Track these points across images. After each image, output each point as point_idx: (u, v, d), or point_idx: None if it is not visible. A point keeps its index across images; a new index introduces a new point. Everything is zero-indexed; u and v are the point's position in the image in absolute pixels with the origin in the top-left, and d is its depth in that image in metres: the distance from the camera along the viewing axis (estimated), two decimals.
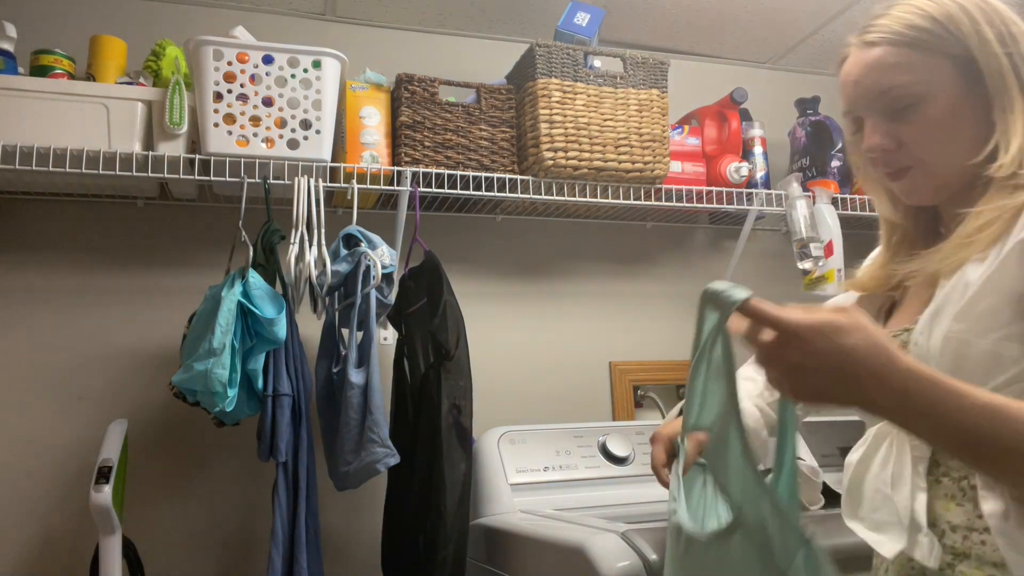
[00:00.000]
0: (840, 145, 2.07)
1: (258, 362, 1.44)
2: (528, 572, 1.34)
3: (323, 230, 1.54)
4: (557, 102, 1.75)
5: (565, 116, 1.75)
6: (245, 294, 1.42)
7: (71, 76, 1.57)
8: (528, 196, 1.77)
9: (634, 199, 1.85)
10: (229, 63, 1.54)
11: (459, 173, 1.71)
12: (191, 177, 1.55)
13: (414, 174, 1.68)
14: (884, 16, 0.84)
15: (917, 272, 0.83)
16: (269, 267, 1.52)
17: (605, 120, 1.79)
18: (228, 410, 1.40)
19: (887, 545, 0.82)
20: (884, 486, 0.83)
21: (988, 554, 0.73)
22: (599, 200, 1.83)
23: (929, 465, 0.80)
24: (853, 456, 0.89)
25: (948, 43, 0.80)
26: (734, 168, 1.94)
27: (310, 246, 1.52)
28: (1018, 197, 0.75)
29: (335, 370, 1.55)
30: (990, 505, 0.72)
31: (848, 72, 0.87)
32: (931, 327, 0.76)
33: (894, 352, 0.63)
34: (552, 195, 1.79)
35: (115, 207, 1.77)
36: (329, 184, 1.64)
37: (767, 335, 0.65)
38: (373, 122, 1.70)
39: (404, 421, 1.61)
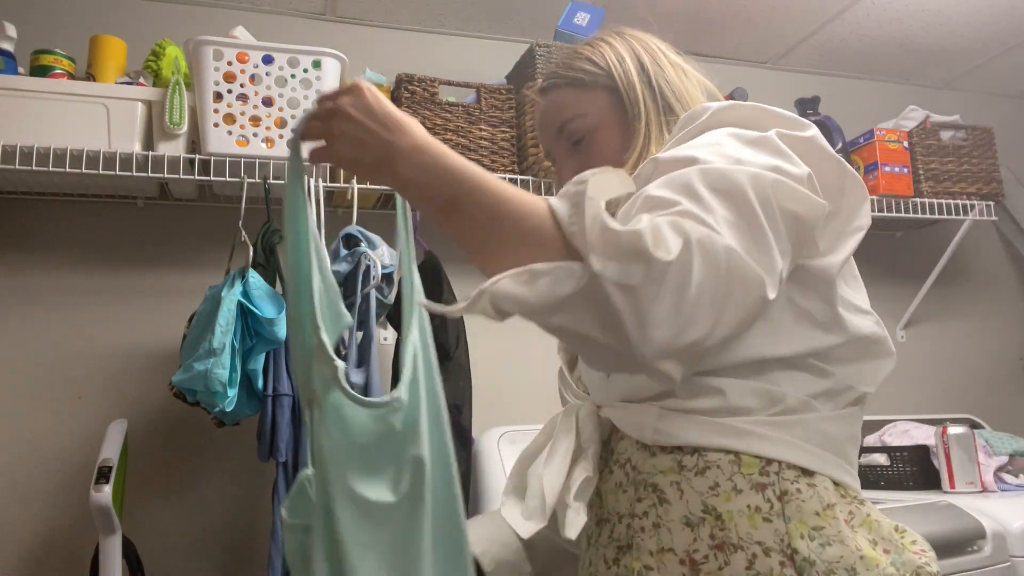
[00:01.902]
0: (841, 145, 2.07)
1: (258, 362, 1.44)
2: None
3: (323, 230, 1.54)
4: None
5: None
6: (245, 294, 1.42)
7: (71, 76, 1.57)
8: None
9: None
10: (229, 63, 1.54)
11: None
12: (191, 177, 1.55)
13: None
14: (552, 65, 0.96)
15: None
16: (269, 267, 1.52)
17: None
18: (228, 410, 1.40)
19: (526, 525, 0.82)
20: (541, 469, 0.84)
21: (647, 542, 0.71)
22: None
23: (603, 455, 0.80)
24: (525, 448, 0.90)
25: (601, 78, 0.89)
26: None
27: None
28: None
29: None
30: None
31: (535, 120, 0.97)
32: None
33: (419, 125, 0.70)
34: (552, 195, 1.79)
35: (115, 207, 1.76)
36: (329, 184, 1.65)
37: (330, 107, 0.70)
38: None
39: None
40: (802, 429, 0.70)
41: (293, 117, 1.58)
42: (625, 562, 0.72)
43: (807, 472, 0.68)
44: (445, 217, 0.66)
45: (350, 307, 1.54)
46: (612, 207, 0.82)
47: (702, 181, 0.64)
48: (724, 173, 0.65)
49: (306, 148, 0.74)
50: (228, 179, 1.54)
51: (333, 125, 0.69)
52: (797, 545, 0.65)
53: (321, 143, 0.71)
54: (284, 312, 1.45)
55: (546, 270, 0.58)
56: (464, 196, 0.65)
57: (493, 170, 1.75)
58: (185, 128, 1.54)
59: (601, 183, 0.63)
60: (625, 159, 0.87)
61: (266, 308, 1.43)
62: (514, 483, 0.88)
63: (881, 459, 1.86)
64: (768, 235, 0.63)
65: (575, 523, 0.79)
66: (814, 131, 0.74)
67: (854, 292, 0.77)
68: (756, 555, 0.65)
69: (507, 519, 0.84)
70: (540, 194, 1.76)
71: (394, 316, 1.69)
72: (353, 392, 0.75)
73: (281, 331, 1.44)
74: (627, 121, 0.89)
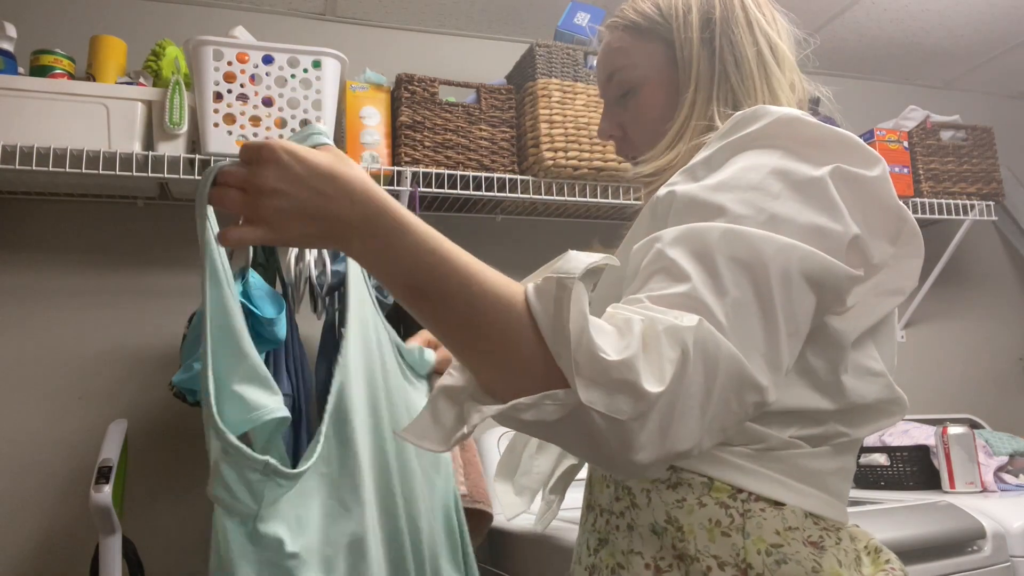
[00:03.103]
0: None
1: None
2: (528, 572, 1.34)
3: None
4: (557, 102, 1.75)
5: (565, 116, 1.75)
6: (245, 294, 1.42)
7: (71, 76, 1.57)
8: (528, 196, 1.77)
9: (634, 199, 1.85)
10: (229, 63, 1.54)
11: (459, 173, 1.71)
12: (191, 177, 1.55)
13: (414, 174, 1.68)
14: (624, 4, 0.85)
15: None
16: (269, 267, 1.52)
17: None
18: None
19: (515, 507, 0.81)
20: (535, 451, 0.83)
21: (620, 541, 0.70)
22: (599, 200, 1.82)
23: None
24: None
25: (662, 28, 0.80)
26: None
27: None
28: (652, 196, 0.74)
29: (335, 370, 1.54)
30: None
31: (596, 59, 0.88)
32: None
33: (368, 180, 0.61)
34: (552, 195, 1.79)
35: (115, 207, 1.76)
36: None
37: (243, 173, 0.62)
38: (373, 122, 1.70)
39: None
40: (781, 463, 0.67)
41: (293, 117, 1.58)
42: (602, 555, 0.72)
43: (778, 503, 0.66)
44: (410, 303, 0.60)
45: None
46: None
47: (724, 250, 0.58)
48: (751, 243, 0.59)
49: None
50: None
51: (260, 205, 0.61)
52: (752, 560, 0.63)
53: (236, 220, 0.64)
54: (284, 312, 1.45)
55: (530, 403, 0.54)
56: (432, 285, 0.58)
57: (493, 170, 1.75)
58: (185, 128, 1.54)
59: (586, 276, 0.56)
60: (665, 129, 0.78)
61: (266, 308, 1.43)
62: (509, 457, 0.89)
63: (881, 459, 1.86)
64: (780, 326, 0.58)
65: (545, 517, 0.80)
66: (880, 170, 0.67)
67: (879, 351, 0.72)
68: (711, 567, 0.64)
69: (499, 496, 0.85)
70: (539, 193, 1.78)
71: (393, 316, 1.69)
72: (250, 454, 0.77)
73: (281, 331, 1.43)
74: (678, 84, 0.80)
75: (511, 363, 0.56)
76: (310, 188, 0.59)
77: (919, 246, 0.71)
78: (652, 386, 0.52)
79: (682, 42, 0.79)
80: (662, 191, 0.68)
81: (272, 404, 0.80)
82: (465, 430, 0.56)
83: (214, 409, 0.75)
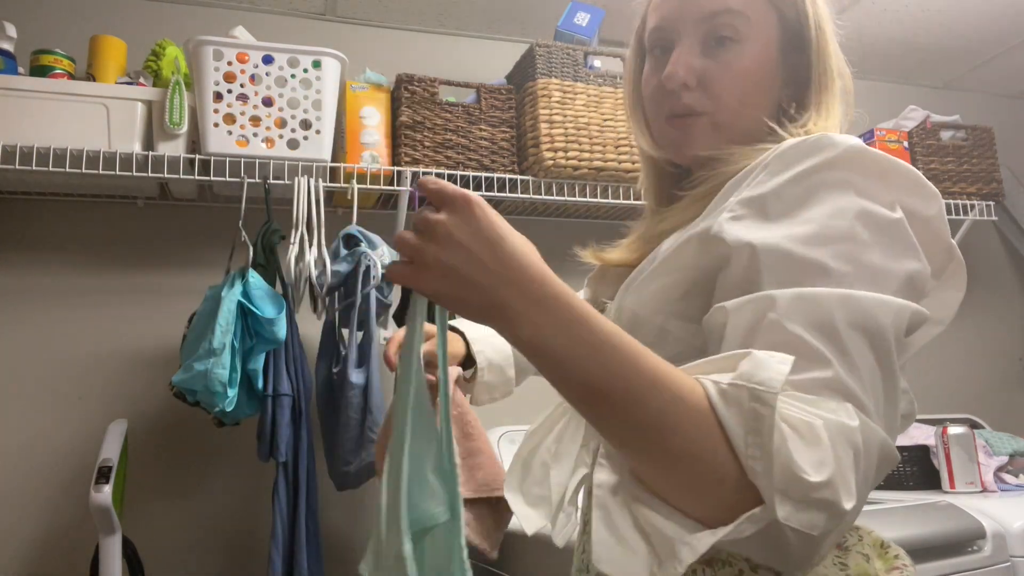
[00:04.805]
0: None
1: (258, 362, 1.44)
2: (528, 572, 1.34)
3: (323, 230, 1.54)
4: (557, 102, 1.75)
5: (565, 116, 1.75)
6: (245, 294, 1.42)
7: (71, 76, 1.57)
8: (528, 196, 1.77)
9: (634, 199, 1.85)
10: (229, 63, 1.54)
11: (459, 173, 1.71)
12: (191, 177, 1.55)
13: (414, 174, 1.68)
14: None
15: (642, 236, 0.81)
16: (269, 267, 1.52)
17: (605, 120, 1.79)
18: (228, 410, 1.40)
19: (532, 520, 0.78)
20: (550, 459, 0.80)
21: None
22: (599, 200, 1.82)
23: (607, 451, 0.75)
24: (531, 428, 0.85)
25: (783, 2, 0.77)
26: None
27: (310, 246, 1.52)
28: (731, 165, 0.71)
29: (335, 370, 1.55)
30: (603, 475, 0.60)
31: None
32: (621, 298, 0.74)
33: (540, 263, 0.55)
34: (552, 195, 1.79)
35: (115, 207, 1.76)
36: (329, 184, 1.65)
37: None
38: (373, 122, 1.70)
39: None
40: None
41: (293, 117, 1.58)
42: None
43: None
44: (587, 403, 0.55)
45: (350, 307, 1.54)
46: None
47: (844, 319, 0.57)
48: (869, 312, 0.57)
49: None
50: (228, 179, 1.54)
51: (426, 249, 0.53)
52: None
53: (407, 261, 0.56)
54: (284, 312, 1.45)
55: (730, 529, 0.52)
56: (616, 386, 0.52)
57: (493, 170, 1.75)
58: (185, 128, 1.54)
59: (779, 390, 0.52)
60: (749, 101, 0.74)
61: (266, 308, 1.43)
62: (519, 465, 0.86)
63: None
64: (897, 389, 0.59)
65: (566, 531, 0.77)
66: (938, 207, 0.68)
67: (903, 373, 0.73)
68: (743, 571, 0.63)
69: (511, 506, 0.82)
70: (539, 193, 1.78)
71: (399, 315, 1.69)
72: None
73: (281, 331, 1.44)
74: (780, 64, 0.76)
75: (702, 474, 0.53)
76: (487, 251, 0.53)
77: (962, 280, 0.71)
78: (848, 503, 0.52)
79: (814, 30, 0.77)
80: (728, 229, 0.63)
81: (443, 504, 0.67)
82: (679, 569, 0.52)
83: (403, 503, 0.58)
